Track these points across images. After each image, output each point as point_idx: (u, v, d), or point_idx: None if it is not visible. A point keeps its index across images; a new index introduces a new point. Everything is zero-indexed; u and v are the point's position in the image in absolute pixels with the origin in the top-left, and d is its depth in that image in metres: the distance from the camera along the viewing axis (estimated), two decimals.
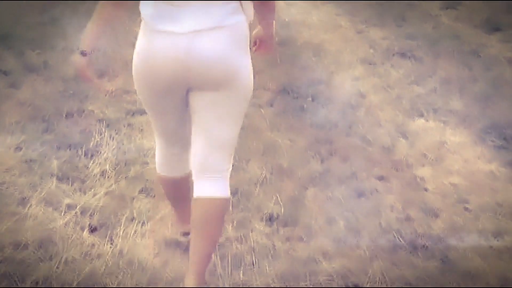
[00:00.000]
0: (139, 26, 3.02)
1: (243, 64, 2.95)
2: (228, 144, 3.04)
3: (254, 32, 3.16)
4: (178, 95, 3.00)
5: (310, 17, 7.32)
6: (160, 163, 3.31)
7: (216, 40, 2.87)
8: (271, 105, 5.42)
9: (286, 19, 7.13)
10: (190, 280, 3.02)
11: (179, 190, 3.38)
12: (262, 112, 5.22)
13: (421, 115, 5.32)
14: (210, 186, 3.02)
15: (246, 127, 4.23)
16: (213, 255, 3.32)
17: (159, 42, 2.87)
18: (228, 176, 3.09)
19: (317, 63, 6.23)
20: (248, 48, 2.98)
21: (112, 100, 5.21)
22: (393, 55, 6.48)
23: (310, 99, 5.54)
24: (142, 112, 4.81)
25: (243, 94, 2.99)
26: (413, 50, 6.56)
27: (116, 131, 4.84)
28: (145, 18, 2.93)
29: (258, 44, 3.18)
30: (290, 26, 7.01)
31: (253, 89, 3.10)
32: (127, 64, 3.43)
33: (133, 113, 5.08)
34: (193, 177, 3.09)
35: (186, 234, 3.47)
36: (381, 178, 4.44)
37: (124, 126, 4.92)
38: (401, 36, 6.88)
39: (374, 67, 6.24)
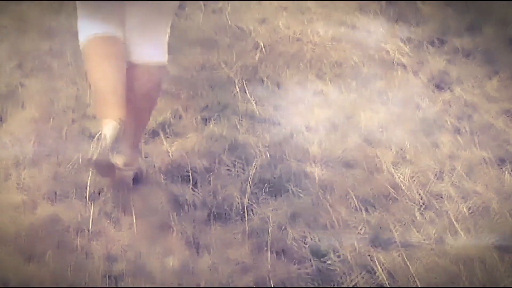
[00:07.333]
0: None
1: None
2: (167, 9, 2.75)
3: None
4: None
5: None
6: (84, 23, 2.78)
7: None
8: None
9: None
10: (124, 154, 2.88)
11: (111, 57, 2.76)
12: None
13: None
14: (147, 50, 2.78)
15: None
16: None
17: None
18: (166, 41, 2.81)
19: None
20: None
21: None
22: None
23: None
24: None
25: None
26: None
27: None
28: None
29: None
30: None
31: None
32: None
33: None
34: (127, 42, 2.78)
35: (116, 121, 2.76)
36: None
37: None
38: None
39: None
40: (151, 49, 2.79)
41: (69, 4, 3.83)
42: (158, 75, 2.83)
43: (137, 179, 2.82)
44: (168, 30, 2.82)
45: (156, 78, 2.82)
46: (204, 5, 4.44)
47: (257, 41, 4.00)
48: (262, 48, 3.93)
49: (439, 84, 3.68)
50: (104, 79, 2.88)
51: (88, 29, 2.82)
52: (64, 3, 4.29)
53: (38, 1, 4.49)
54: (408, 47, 4.04)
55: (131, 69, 2.78)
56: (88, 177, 2.82)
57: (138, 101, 2.79)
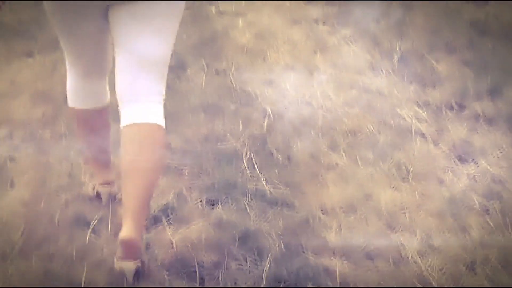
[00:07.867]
0: None
1: None
2: (158, 63, 2.59)
3: None
4: (97, 13, 2.59)
5: None
6: (72, 95, 2.91)
7: None
8: None
9: None
10: (127, 231, 2.46)
11: (95, 125, 2.93)
12: None
13: None
14: (139, 112, 2.56)
15: None
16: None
17: None
18: (162, 101, 2.60)
19: None
20: None
21: None
22: None
23: None
24: None
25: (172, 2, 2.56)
26: None
27: None
28: None
29: None
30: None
31: None
32: None
33: None
34: (119, 107, 2.62)
35: (107, 183, 3.00)
36: None
37: None
38: None
39: None
40: (144, 111, 2.56)
41: (62, 65, 3.58)
42: (155, 133, 2.56)
43: (138, 274, 2.53)
44: (164, 92, 2.61)
45: (153, 137, 2.56)
46: (206, 66, 4.19)
47: (264, 107, 3.74)
48: (270, 114, 3.67)
49: (462, 156, 3.41)
50: (86, 146, 3.02)
51: (70, 99, 2.91)
52: (57, 64, 4.04)
53: (30, 62, 4.26)
54: (425, 112, 3.78)
55: (123, 132, 2.57)
56: (83, 273, 2.53)
57: (133, 165, 2.53)
